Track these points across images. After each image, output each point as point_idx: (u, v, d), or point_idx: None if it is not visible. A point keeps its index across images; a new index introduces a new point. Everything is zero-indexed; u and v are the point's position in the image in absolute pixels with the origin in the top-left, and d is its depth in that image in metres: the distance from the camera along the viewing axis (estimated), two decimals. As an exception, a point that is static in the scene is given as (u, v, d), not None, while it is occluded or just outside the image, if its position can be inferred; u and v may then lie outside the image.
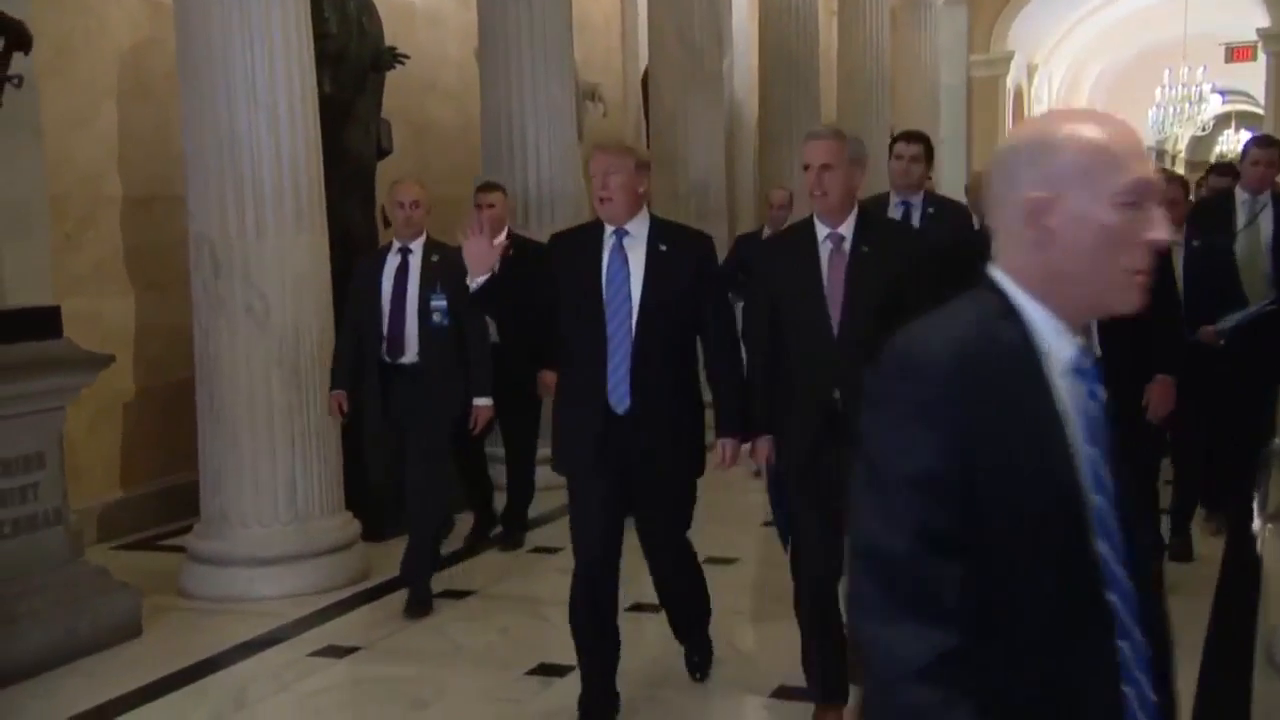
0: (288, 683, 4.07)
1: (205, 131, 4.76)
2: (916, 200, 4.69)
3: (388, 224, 5.00)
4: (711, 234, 6.51)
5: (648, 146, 9.13)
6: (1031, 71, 16.87)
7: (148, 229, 6.11)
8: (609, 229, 3.46)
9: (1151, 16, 16.36)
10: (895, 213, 4.61)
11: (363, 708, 3.92)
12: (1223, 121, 25.63)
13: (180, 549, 5.09)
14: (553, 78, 6.64)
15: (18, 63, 4.35)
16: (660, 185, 8.63)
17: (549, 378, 4.85)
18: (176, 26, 4.84)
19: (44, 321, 4.27)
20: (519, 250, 4.88)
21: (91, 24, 5.95)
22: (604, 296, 3.41)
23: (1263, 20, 14.22)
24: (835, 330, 3.26)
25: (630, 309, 3.40)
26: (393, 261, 4.70)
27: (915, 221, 4.57)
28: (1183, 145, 24.23)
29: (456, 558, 5.36)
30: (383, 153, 6.41)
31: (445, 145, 8.26)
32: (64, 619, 4.14)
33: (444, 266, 4.53)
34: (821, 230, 3.34)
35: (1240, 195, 5.28)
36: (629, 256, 3.44)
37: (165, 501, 5.92)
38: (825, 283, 3.28)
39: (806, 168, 3.29)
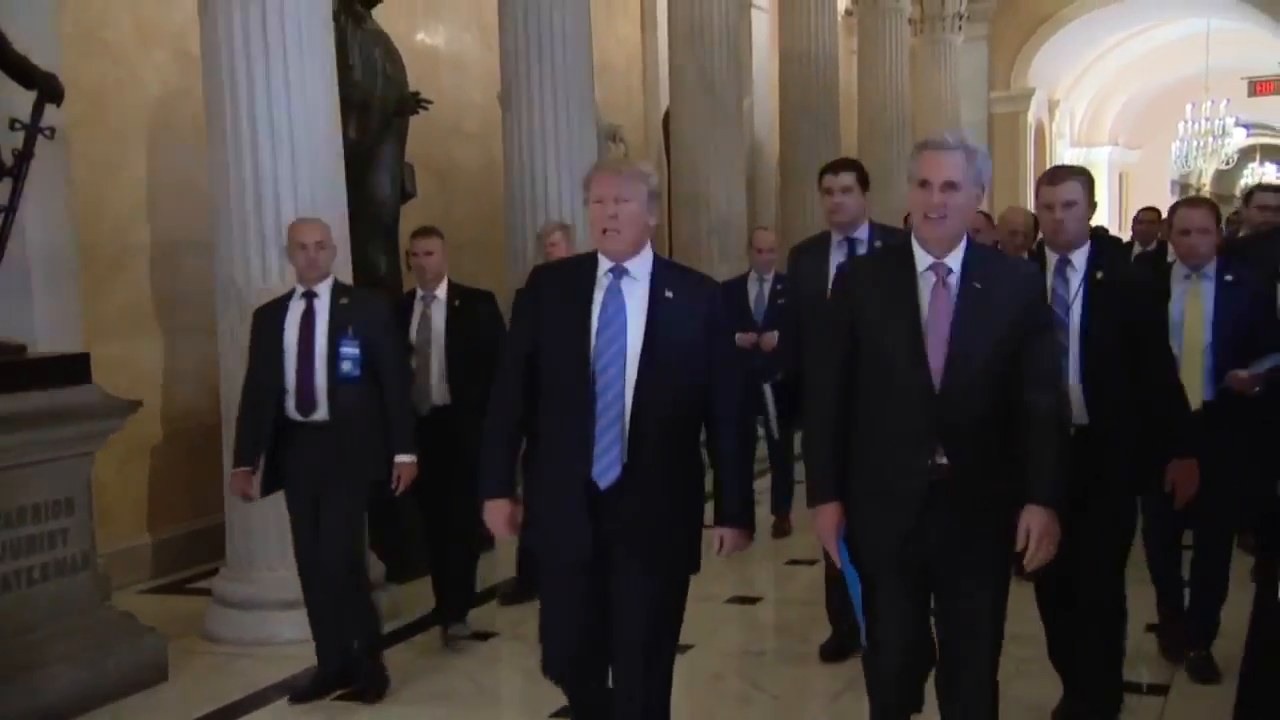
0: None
1: (232, 178, 4.82)
2: (861, 234, 4.21)
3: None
4: (734, 274, 6.48)
5: (669, 188, 9.21)
6: (1053, 107, 16.89)
7: (176, 275, 6.18)
8: (604, 265, 2.89)
9: (1173, 52, 16.35)
10: (838, 252, 4.19)
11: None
12: (1247, 154, 25.50)
13: (206, 592, 5.10)
14: (574, 120, 6.69)
15: (50, 114, 4.40)
16: (682, 225, 8.70)
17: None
18: (204, 76, 4.91)
19: (74, 368, 4.30)
20: (465, 301, 4.81)
21: (122, 75, 6.06)
22: (594, 345, 2.82)
23: (1285, 54, 14.23)
24: (937, 381, 2.68)
25: (625, 363, 2.81)
26: (296, 308, 4.18)
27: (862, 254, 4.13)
28: (1207, 179, 24.14)
29: (478, 599, 5.33)
30: (406, 196, 6.47)
31: (469, 189, 8.33)
32: (92, 663, 4.15)
33: (354, 310, 4.15)
34: (923, 259, 2.75)
35: None
36: (627, 301, 2.86)
37: (192, 545, 5.94)
38: (924, 322, 2.71)
39: (923, 184, 2.70)
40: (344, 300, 4.19)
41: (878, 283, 2.80)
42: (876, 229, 4.23)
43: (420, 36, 8.30)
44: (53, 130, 4.43)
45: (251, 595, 4.85)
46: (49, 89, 4.36)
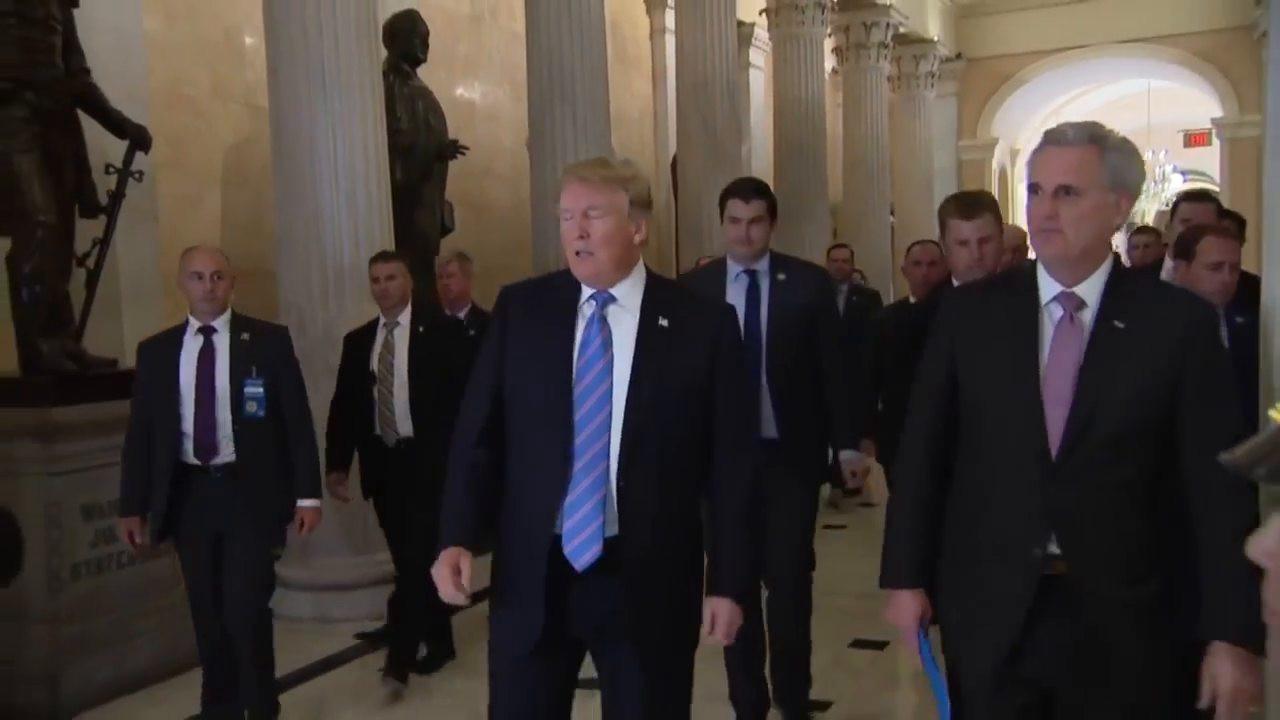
0: (362, 695, 4.09)
1: (294, 214, 4.88)
2: (762, 266, 3.34)
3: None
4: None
5: (676, 225, 9.24)
6: (1014, 155, 16.90)
7: (245, 299, 6.15)
8: (586, 292, 2.08)
9: (1119, 108, 16.38)
10: (738, 284, 3.32)
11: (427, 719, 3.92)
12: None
13: (270, 576, 5.14)
14: (593, 165, 6.72)
15: (139, 160, 4.46)
16: (688, 257, 8.73)
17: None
18: (271, 125, 4.98)
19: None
20: (430, 327, 4.12)
21: (201, 125, 6.14)
22: (573, 388, 2.02)
23: (1216, 111, 14.45)
24: (1054, 447, 1.82)
25: (610, 410, 2.01)
26: (192, 345, 3.43)
27: (764, 291, 3.30)
28: (1150, 218, 24.14)
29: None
30: (446, 230, 6.53)
31: (500, 223, 8.39)
32: (169, 637, 4.19)
33: (257, 346, 3.45)
34: (1048, 287, 1.88)
35: None
36: (614, 333, 2.06)
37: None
38: (1043, 369, 1.85)
39: (1033, 189, 1.86)
40: (245, 335, 3.46)
41: (988, 315, 1.93)
42: (778, 260, 3.37)
43: (459, 91, 8.37)
44: (141, 174, 4.49)
45: (308, 578, 4.90)
46: (139, 138, 4.41)
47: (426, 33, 6.45)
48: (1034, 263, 1.93)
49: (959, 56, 14.76)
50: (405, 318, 4.13)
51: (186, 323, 3.47)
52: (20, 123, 4.02)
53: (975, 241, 2.90)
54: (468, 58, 8.51)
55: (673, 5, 9.33)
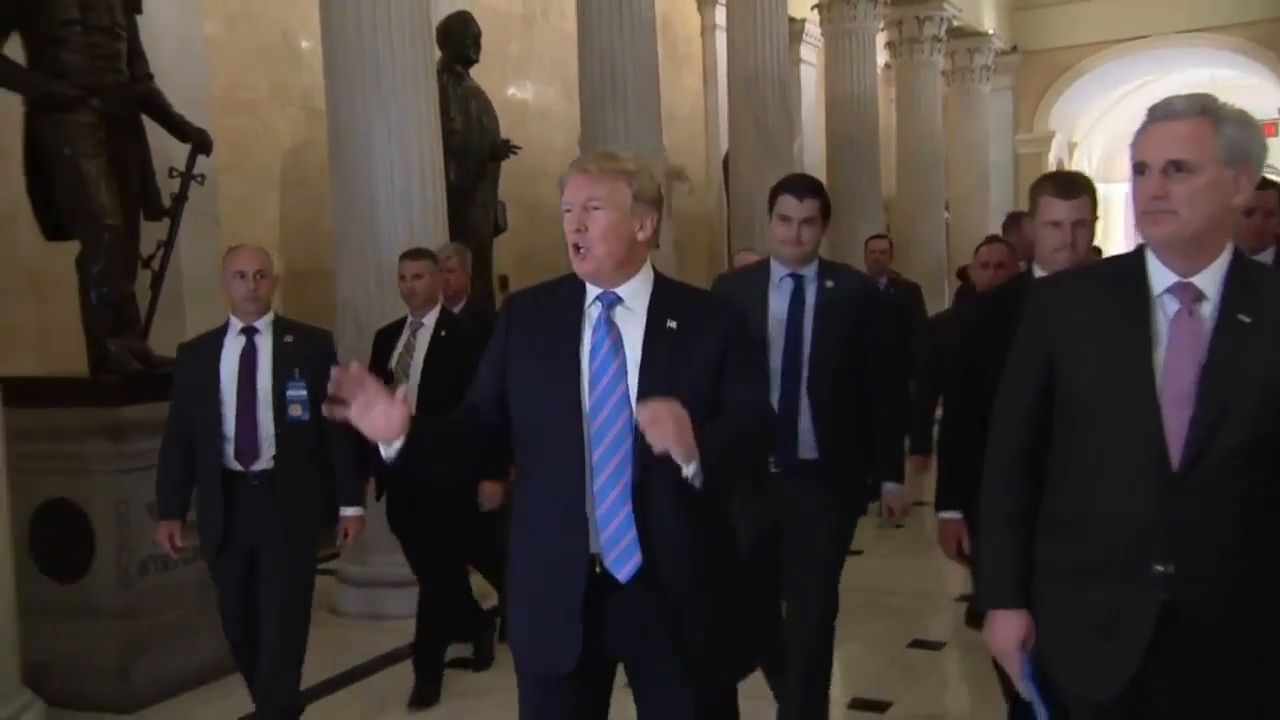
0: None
1: (351, 214, 4.94)
2: (809, 272, 3.04)
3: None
4: None
5: (728, 223, 9.21)
6: (1071, 148, 16.60)
7: (303, 298, 6.33)
8: (592, 292, 2.01)
9: (1182, 96, 16.10)
10: (782, 289, 3.02)
11: (484, 714, 3.94)
12: (1251, 188, 24.82)
13: (332, 572, 5.22)
14: (645, 163, 6.73)
15: (201, 164, 4.54)
16: (737, 254, 8.68)
17: (491, 488, 3.73)
18: (329, 128, 5.04)
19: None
20: (453, 330, 3.95)
21: (260, 128, 6.25)
22: (584, 396, 1.94)
23: (1283, 99, 14.07)
24: (1176, 455, 1.64)
25: (630, 414, 1.91)
26: (234, 346, 3.31)
27: (810, 298, 3.01)
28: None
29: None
30: (499, 230, 6.57)
31: (553, 223, 8.32)
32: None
33: (300, 348, 3.32)
34: (1161, 277, 1.70)
35: None
36: (623, 335, 1.97)
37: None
38: (1159, 369, 1.66)
39: (1139, 168, 1.68)
40: (288, 337, 3.33)
41: (1091, 307, 1.73)
42: (827, 267, 3.09)
43: (511, 91, 8.42)
44: (203, 177, 4.57)
45: (369, 575, 4.95)
46: (200, 142, 4.48)
47: (479, 33, 6.50)
48: (1140, 251, 1.74)
49: (1014, 49, 14.52)
50: (431, 318, 4.00)
51: (228, 324, 3.36)
52: (87, 128, 4.11)
53: (1069, 224, 2.60)
54: (519, 58, 8.55)
55: (724, 2, 9.30)
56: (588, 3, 6.54)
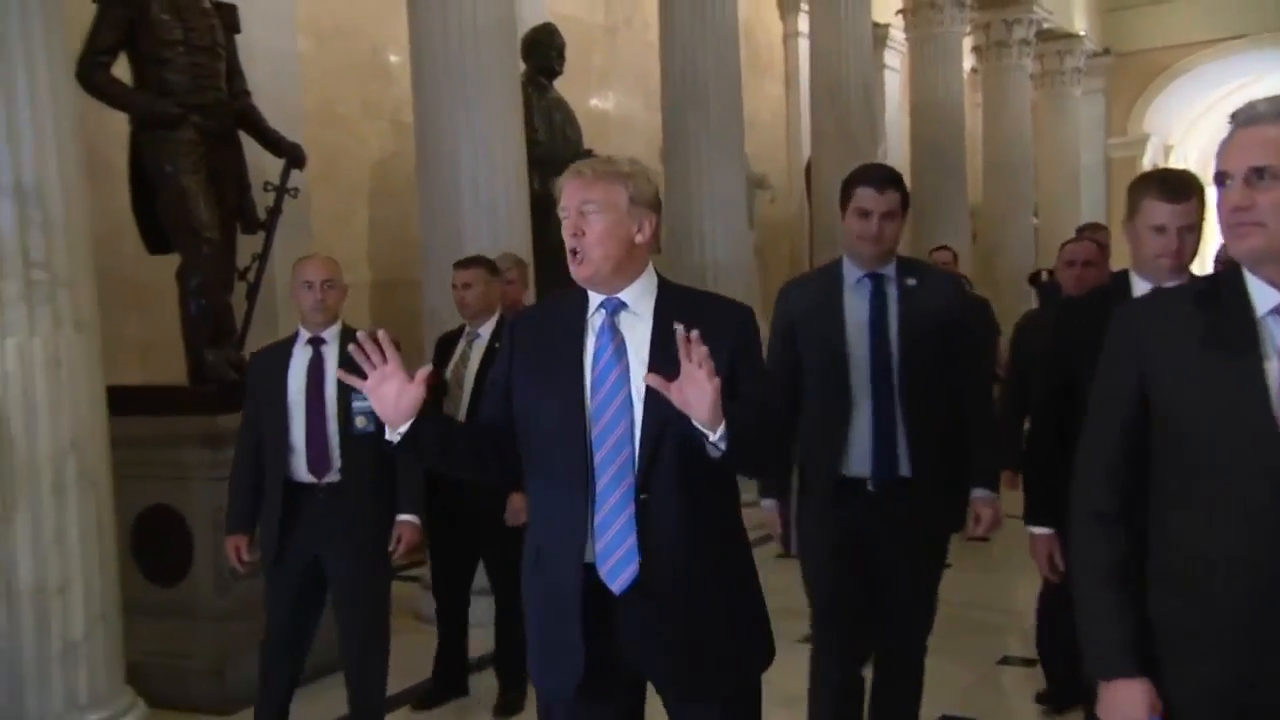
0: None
1: (437, 225, 5.01)
2: (889, 271, 2.81)
3: None
4: None
5: (810, 231, 9.13)
6: (1167, 151, 16.08)
7: (391, 306, 6.45)
8: (594, 300, 1.99)
9: (1283, 97, 15.49)
10: (859, 290, 2.80)
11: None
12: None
13: (416, 579, 5.28)
14: (727, 170, 6.71)
15: (295, 178, 4.64)
16: (821, 260, 8.60)
17: (519, 501, 3.55)
18: (416, 140, 5.12)
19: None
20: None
21: (351, 142, 6.39)
22: (588, 402, 1.92)
23: (1398, 93, 13.37)
24: None
25: (631, 420, 1.90)
26: (301, 356, 3.30)
27: (892, 300, 2.80)
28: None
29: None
30: (582, 240, 6.60)
31: (634, 232, 8.44)
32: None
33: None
34: (1264, 296, 1.55)
35: None
36: (626, 340, 1.94)
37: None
38: (1274, 397, 1.50)
39: (1220, 179, 1.56)
40: (352, 346, 3.46)
41: (1187, 330, 1.57)
42: (906, 264, 2.87)
43: (594, 102, 8.48)
44: (297, 190, 4.68)
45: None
46: (295, 156, 4.59)
47: (563, 45, 6.55)
48: (1238, 268, 1.57)
49: (1107, 51, 14.13)
50: (487, 329, 3.91)
51: (297, 334, 3.36)
52: (188, 145, 4.25)
53: (1175, 230, 2.38)
54: (602, 68, 8.60)
55: (806, 9, 9.24)
56: (670, 12, 6.55)
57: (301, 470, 3.25)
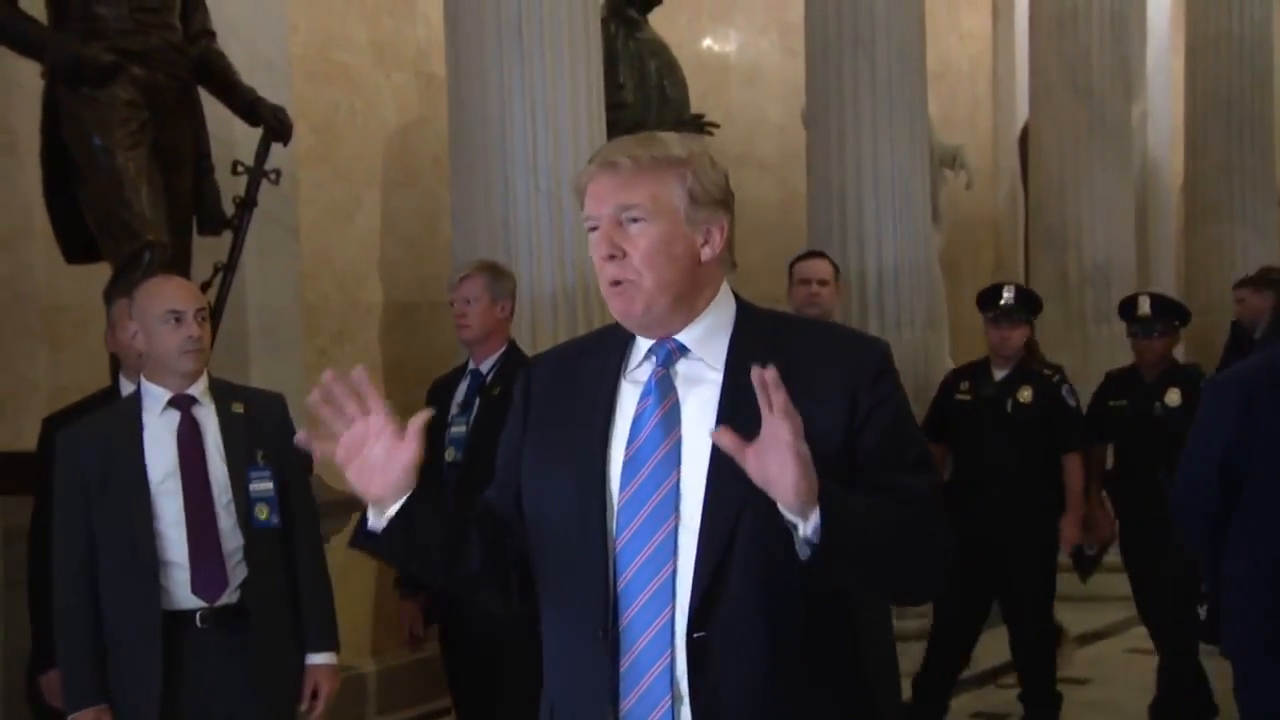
0: None
1: (479, 222, 5.04)
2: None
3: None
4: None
5: (1025, 223, 9.01)
6: None
7: (410, 340, 6.52)
8: (642, 346, 1.94)
9: None
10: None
11: None
12: None
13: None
14: (900, 141, 6.67)
15: (275, 155, 4.67)
16: (1042, 273, 8.51)
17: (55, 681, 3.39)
18: (450, 102, 5.18)
19: (292, 454, 4.57)
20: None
21: (357, 103, 6.50)
22: (613, 494, 1.86)
23: None
24: None
25: (678, 521, 1.82)
26: (161, 425, 3.22)
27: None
28: None
29: None
30: (687, 241, 6.63)
31: (761, 230, 8.43)
32: None
33: (255, 420, 3.26)
34: None
35: None
36: (682, 402, 1.88)
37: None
38: None
39: None
40: (236, 406, 3.24)
41: None
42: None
43: (707, 43, 8.56)
44: (278, 173, 4.70)
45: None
46: (276, 125, 4.63)
47: (661, -37, 6.64)
48: None
49: None
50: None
51: (137, 395, 3.25)
52: (125, 108, 4.28)
53: None
54: (720, -5, 8.69)
55: (1023, -97, 9.22)
56: (818, -88, 6.59)
57: (182, 593, 3.14)
